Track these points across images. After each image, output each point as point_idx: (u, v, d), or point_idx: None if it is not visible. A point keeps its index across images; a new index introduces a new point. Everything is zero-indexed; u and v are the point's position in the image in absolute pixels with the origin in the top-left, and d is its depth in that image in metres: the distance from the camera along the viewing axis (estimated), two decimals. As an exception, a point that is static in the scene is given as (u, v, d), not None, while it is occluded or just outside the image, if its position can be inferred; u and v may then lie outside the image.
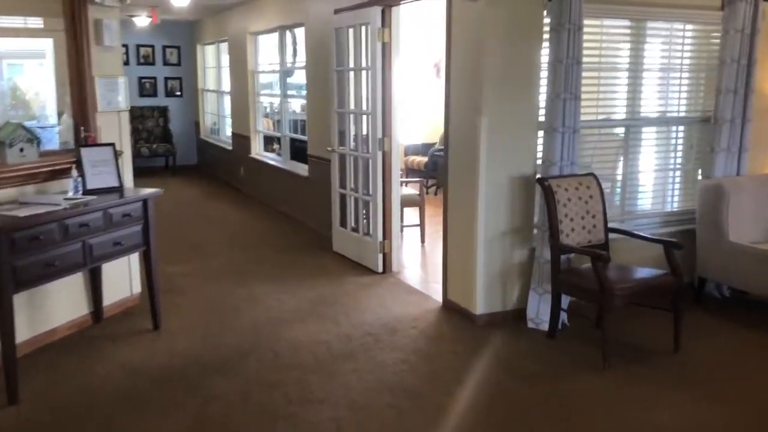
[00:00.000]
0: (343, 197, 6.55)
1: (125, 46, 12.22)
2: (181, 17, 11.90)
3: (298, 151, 8.41)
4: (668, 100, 5.40)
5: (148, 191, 4.61)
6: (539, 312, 4.66)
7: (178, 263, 6.35)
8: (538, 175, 4.64)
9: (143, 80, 12.51)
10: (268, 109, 10.48)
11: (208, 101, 12.32)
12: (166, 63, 12.65)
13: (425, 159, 10.37)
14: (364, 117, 6.18)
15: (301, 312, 5.04)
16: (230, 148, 10.82)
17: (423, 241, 7.11)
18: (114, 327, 4.73)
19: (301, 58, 7.94)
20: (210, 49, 11.95)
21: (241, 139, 10.08)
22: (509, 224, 4.74)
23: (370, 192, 6.12)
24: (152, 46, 12.49)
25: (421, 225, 7.09)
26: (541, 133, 4.69)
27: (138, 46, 12.37)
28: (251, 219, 8.51)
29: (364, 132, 6.26)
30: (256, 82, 9.53)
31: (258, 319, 4.88)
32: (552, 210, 4.42)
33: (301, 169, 8.08)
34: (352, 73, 6.25)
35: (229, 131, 10.95)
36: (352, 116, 6.35)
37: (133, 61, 12.36)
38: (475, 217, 4.68)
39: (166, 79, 12.69)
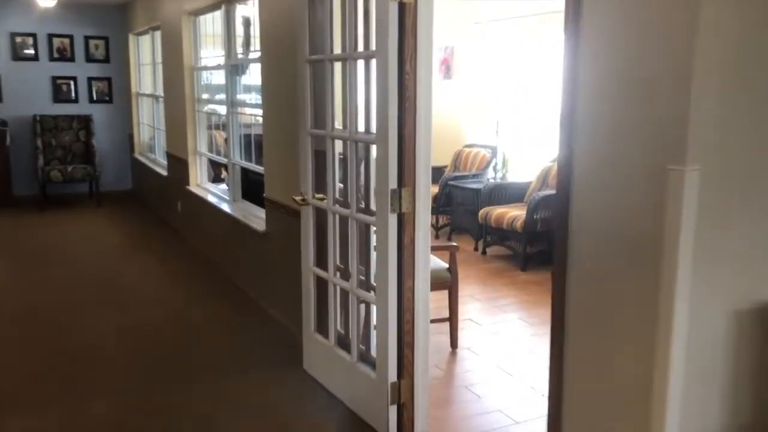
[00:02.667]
0: (321, 284, 3.74)
1: (32, 35, 9.29)
2: (107, -1, 9.01)
3: (255, 186, 5.57)
4: None
5: None
6: None
7: (17, 414, 3.49)
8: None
9: (59, 81, 9.56)
10: (217, 120, 7.61)
11: (144, 109, 9.41)
12: (90, 59, 9.71)
13: (432, 188, 7.54)
14: (361, 146, 3.39)
15: None
16: (165, 173, 7.92)
17: (455, 344, 4.31)
18: None
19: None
20: (145, 40, 9.05)
21: (178, 164, 7.20)
22: (733, 416, 1.98)
23: (373, 283, 3.33)
24: (70, 37, 9.55)
25: (453, 319, 4.29)
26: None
27: (50, 36, 9.42)
28: (181, 294, 5.63)
29: (362, 174, 3.47)
30: (196, 84, 6.67)
31: None
32: None
33: (256, 218, 5.23)
34: (338, 66, 3.46)
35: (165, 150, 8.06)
36: (338, 143, 3.55)
37: (43, 56, 9.42)
38: (661, 399, 1.92)
39: (91, 79, 9.75)
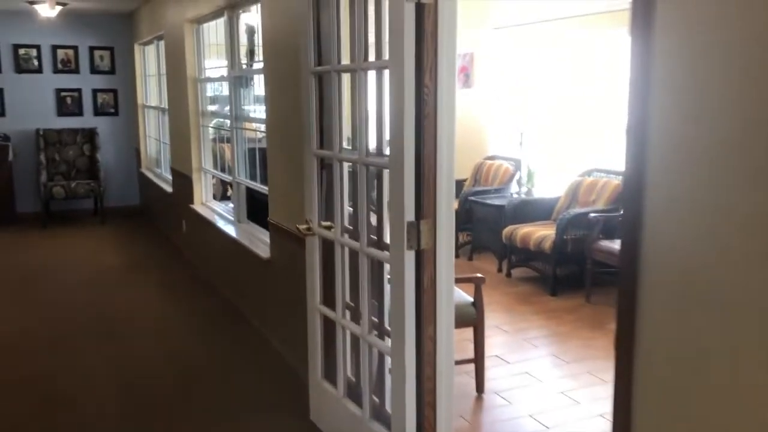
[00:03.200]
0: (329, 325, 3.29)
1: (35, 47, 8.96)
2: (111, 6, 8.65)
3: (262, 206, 5.13)
4: None
5: None
6: None
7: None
8: None
9: (63, 93, 9.22)
10: (227, 134, 7.20)
11: (151, 121, 9.04)
12: (95, 70, 9.37)
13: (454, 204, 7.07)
14: (373, 170, 2.94)
15: None
16: (170, 190, 7.52)
17: (480, 388, 3.83)
18: None
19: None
20: (150, 50, 8.69)
21: (182, 180, 6.80)
22: None
23: (388, 329, 2.87)
24: (75, 48, 9.21)
25: (478, 361, 3.81)
26: None
27: (54, 48, 9.08)
28: (181, 324, 5.21)
29: (374, 200, 3.02)
30: (200, 96, 6.27)
31: None
32: None
33: (262, 242, 4.80)
34: (346, 78, 3.02)
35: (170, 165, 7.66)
36: (347, 167, 3.11)
37: (47, 68, 9.08)
38: None
39: (96, 91, 9.41)
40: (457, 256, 6.81)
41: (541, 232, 5.83)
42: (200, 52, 6.21)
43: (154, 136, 8.90)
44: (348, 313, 3.17)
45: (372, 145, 2.93)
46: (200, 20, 6.04)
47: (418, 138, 2.53)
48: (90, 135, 9.23)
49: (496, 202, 6.66)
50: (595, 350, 4.53)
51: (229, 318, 5.14)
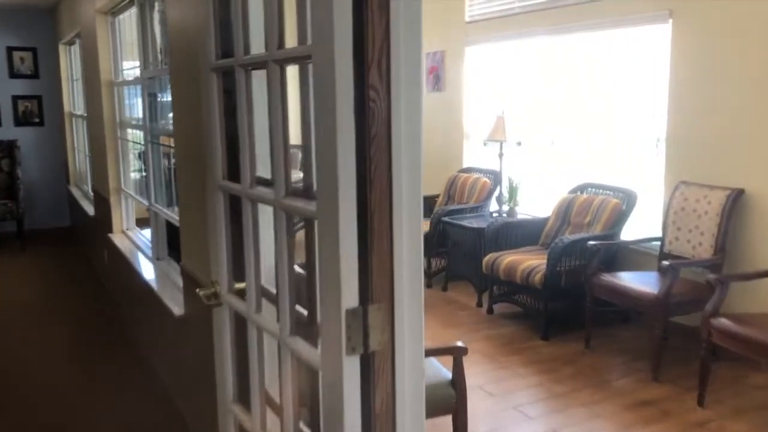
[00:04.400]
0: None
1: (-59, 47, 7.79)
2: (33, 1, 7.53)
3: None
4: None
5: None
6: None
7: None
8: None
9: (-24, 101, 8.08)
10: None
11: (79, 132, 7.91)
12: (15, 74, 8.22)
13: (425, 225, 6.09)
14: (299, 207, 1.93)
15: None
16: (92, 213, 6.43)
17: (463, 495, 2.84)
18: None
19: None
20: (76, 50, 7.57)
21: (102, 203, 5.72)
22: None
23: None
24: (-10, 48, 8.08)
25: (459, 458, 2.81)
26: None
27: (-35, 49, 7.95)
28: (84, 383, 4.14)
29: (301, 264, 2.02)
30: (117, 103, 5.21)
31: None
32: None
33: (178, 290, 3.75)
34: (260, 76, 2.00)
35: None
36: (259, 209, 2.09)
37: (-43, 72, 7.94)
38: None
39: (16, 98, 8.26)
40: (429, 285, 5.86)
41: (529, 262, 4.87)
42: (117, 50, 5.15)
43: (82, 149, 7.79)
44: (268, 423, 2.16)
45: (299, 175, 1.93)
46: (114, 11, 4.98)
47: (361, 172, 1.54)
48: (9, 148, 8.07)
49: (474, 223, 5.69)
50: (604, 419, 3.58)
51: (143, 376, 4.09)
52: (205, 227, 2.80)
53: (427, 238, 5.95)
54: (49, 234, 8.24)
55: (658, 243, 4.70)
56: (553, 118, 5.90)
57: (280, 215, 1.86)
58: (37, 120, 8.37)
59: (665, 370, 4.09)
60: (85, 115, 7.01)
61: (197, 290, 2.33)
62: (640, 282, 4.36)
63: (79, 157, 8.01)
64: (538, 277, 4.70)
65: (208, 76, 2.21)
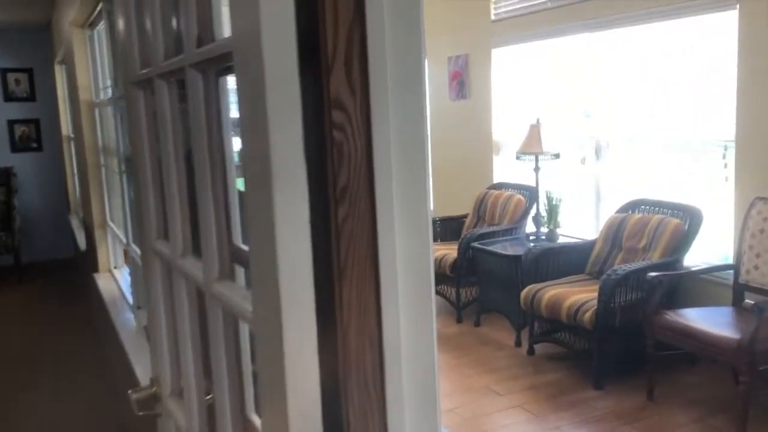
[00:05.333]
0: None
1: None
2: (23, 16, 7.01)
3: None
4: None
5: None
6: None
7: None
8: None
9: (-30, 127, 7.59)
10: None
11: (75, 158, 7.36)
12: (10, 97, 7.72)
13: (450, 251, 5.38)
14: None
15: None
16: (83, 247, 5.84)
17: None
18: None
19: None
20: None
21: (89, 238, 5.13)
22: None
23: None
24: (-18, 71, 7.60)
25: None
26: None
27: (-45, 72, 7.47)
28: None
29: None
30: (100, 126, 4.61)
31: None
32: None
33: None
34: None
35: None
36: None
37: (-52, 97, 7.46)
38: None
39: (12, 123, 7.75)
40: (459, 320, 5.17)
41: (576, 297, 4.14)
42: (96, 66, 4.56)
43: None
44: None
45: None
46: (90, 23, 4.39)
47: (323, 254, 0.87)
48: (5, 176, 7.56)
49: (510, 249, 4.98)
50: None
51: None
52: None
53: (455, 265, 5.25)
54: (49, 267, 7.70)
55: (730, 272, 3.94)
56: (595, 125, 5.17)
57: (212, 304, 1.18)
58: (35, 145, 7.86)
59: (753, 429, 3.33)
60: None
61: (129, 392, 1.67)
62: (713, 322, 3.61)
63: (78, 184, 7.46)
64: (587, 316, 3.97)
65: (132, 91, 1.56)
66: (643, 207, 4.57)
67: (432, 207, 6.77)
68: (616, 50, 4.90)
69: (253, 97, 0.84)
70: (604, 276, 4.01)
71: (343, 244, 0.86)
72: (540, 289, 4.37)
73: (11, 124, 7.74)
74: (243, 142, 0.90)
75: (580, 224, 5.26)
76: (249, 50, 0.84)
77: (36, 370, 4.78)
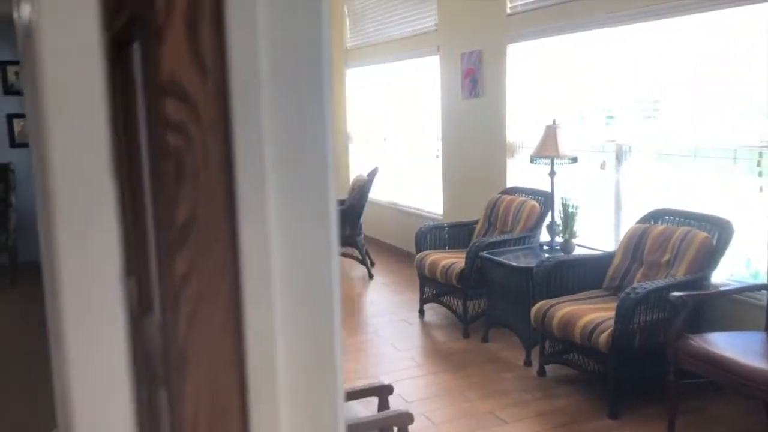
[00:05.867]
0: None
1: (-74, 63, 7.10)
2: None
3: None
4: None
5: None
6: None
7: None
8: None
9: (-33, 121, 7.37)
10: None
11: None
12: (9, 90, 7.49)
13: (457, 260, 5.04)
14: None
15: None
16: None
17: None
18: None
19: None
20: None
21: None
22: None
23: None
24: (-20, 63, 7.37)
25: None
26: None
27: (-48, 64, 7.25)
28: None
29: None
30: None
31: None
32: None
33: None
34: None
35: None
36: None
37: (-55, 89, 7.25)
38: None
39: (11, 117, 7.52)
40: (466, 335, 4.83)
41: (592, 316, 3.78)
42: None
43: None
44: None
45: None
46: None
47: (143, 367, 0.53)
48: (3, 172, 7.33)
49: (521, 260, 4.62)
50: None
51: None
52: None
53: (463, 275, 4.90)
54: (47, 265, 7.45)
55: (764, 292, 3.56)
56: (617, 127, 4.79)
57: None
58: (34, 140, 7.62)
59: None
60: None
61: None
62: (744, 350, 3.23)
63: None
64: (603, 337, 3.60)
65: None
66: (666, 217, 4.19)
67: (441, 211, 6.40)
68: (640, 47, 4.52)
69: (32, 81, 0.52)
70: (623, 295, 3.63)
71: (181, 330, 0.53)
72: (552, 306, 4.01)
73: (10, 118, 7.50)
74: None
75: (597, 234, 4.88)
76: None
77: (30, 379, 4.51)
